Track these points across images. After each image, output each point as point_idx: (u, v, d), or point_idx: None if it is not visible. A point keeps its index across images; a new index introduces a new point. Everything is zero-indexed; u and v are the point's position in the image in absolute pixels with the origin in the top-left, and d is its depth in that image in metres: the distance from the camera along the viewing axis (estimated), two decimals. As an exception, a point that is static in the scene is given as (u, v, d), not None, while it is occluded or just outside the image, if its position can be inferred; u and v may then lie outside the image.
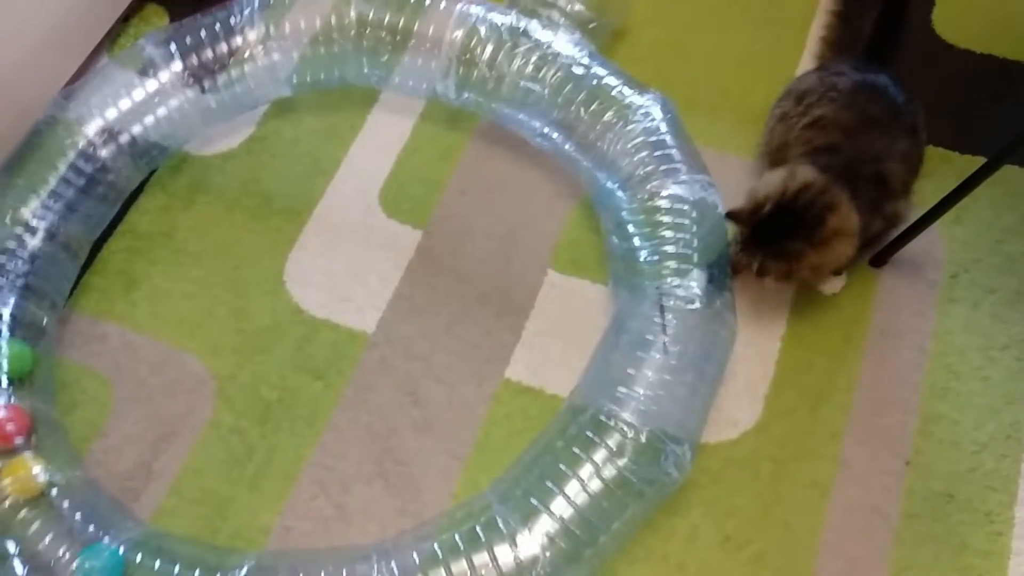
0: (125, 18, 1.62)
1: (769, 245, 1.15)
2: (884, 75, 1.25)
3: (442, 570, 0.98)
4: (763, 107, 1.38)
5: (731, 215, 1.17)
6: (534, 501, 1.02)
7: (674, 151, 1.23)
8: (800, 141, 1.25)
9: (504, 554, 0.99)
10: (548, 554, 0.99)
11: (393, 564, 0.99)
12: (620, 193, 1.26)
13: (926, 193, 1.26)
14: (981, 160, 1.14)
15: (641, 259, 1.21)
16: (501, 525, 1.01)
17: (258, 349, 1.30)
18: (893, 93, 1.23)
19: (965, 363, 1.22)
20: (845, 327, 1.26)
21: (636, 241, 1.23)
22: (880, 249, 1.29)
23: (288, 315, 1.32)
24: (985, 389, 1.20)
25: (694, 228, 1.19)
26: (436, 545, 1.00)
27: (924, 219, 1.23)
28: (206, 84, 1.39)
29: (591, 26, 1.41)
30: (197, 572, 1.01)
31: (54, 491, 1.09)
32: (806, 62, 1.47)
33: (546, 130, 1.35)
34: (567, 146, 1.33)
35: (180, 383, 1.28)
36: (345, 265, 1.36)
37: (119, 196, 1.39)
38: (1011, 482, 1.13)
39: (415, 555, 0.99)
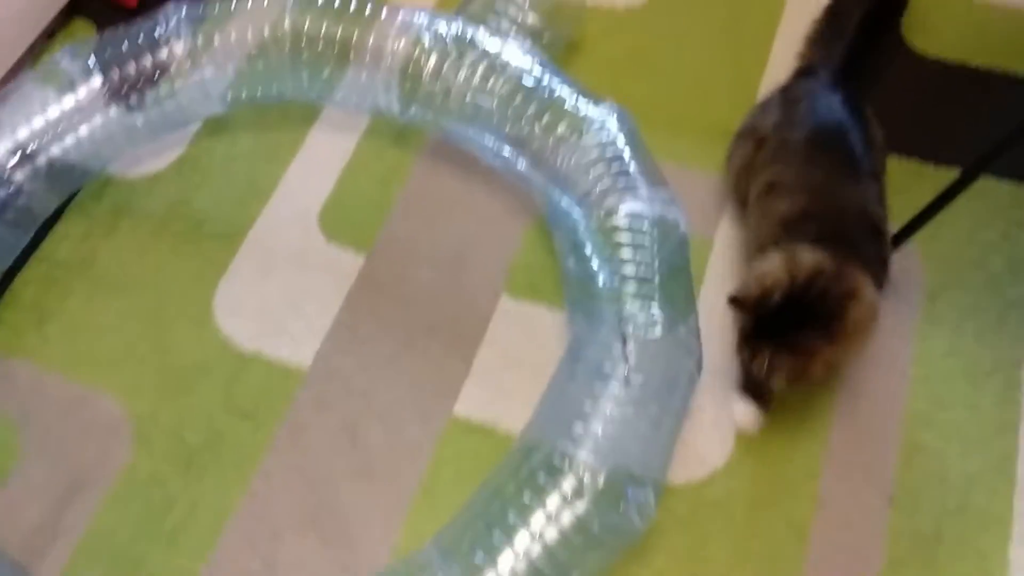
0: (50, 34, 1.52)
1: (779, 339, 0.97)
2: (843, 108, 1.14)
3: (374, 640, 0.86)
4: (725, 121, 1.30)
5: (734, 302, 1.00)
6: (480, 556, 0.91)
7: (632, 165, 1.14)
8: (766, 214, 1.12)
9: (446, 617, 0.88)
10: (496, 616, 0.88)
11: (319, 632, 0.87)
12: (576, 212, 1.17)
13: (900, 208, 1.18)
14: (956, 172, 1.07)
15: (599, 283, 1.12)
16: (443, 584, 0.90)
17: (182, 388, 1.18)
18: (852, 140, 1.11)
19: (949, 390, 1.13)
20: (820, 353, 1.17)
21: (594, 264, 1.13)
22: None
23: (217, 350, 1.21)
24: (972, 418, 1.11)
25: (655, 248, 1.10)
26: (369, 609, 0.88)
27: (900, 235, 1.15)
28: (132, 101, 1.29)
29: (544, 38, 1.33)
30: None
31: (-59, 553, 0.96)
32: (769, 76, 1.39)
33: (497, 146, 1.26)
34: (520, 163, 1.24)
35: (94, 426, 1.16)
36: (281, 294, 1.25)
37: (33, 222, 1.28)
38: (1004, 520, 1.04)
39: (344, 621, 0.88)
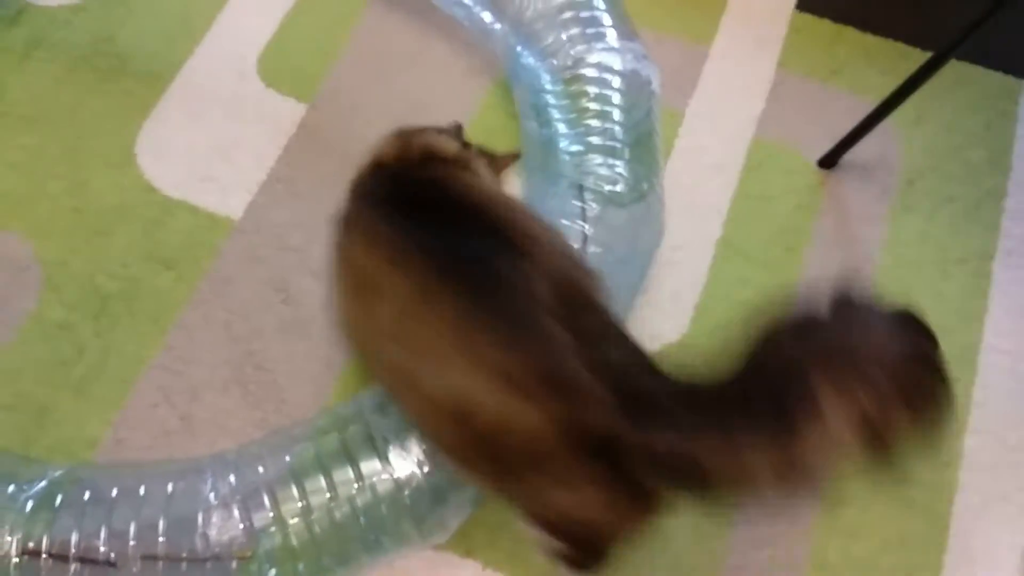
0: None
1: None
2: None
3: (293, 488, 0.79)
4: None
5: None
6: (415, 410, 0.84)
7: (603, 14, 1.05)
8: None
9: (372, 471, 0.81)
10: (427, 470, 0.81)
11: (232, 478, 0.79)
12: (540, 67, 1.08)
13: (884, 90, 1.11)
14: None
15: (562, 146, 1.03)
16: (372, 436, 0.83)
17: (97, 232, 1.08)
18: None
19: (917, 277, 1.08)
20: (788, 236, 1.11)
21: (558, 127, 1.05)
22: (830, 149, 1.14)
23: (137, 194, 1.10)
24: (938, 306, 1.07)
25: (623, 106, 1.02)
26: (288, 458, 0.81)
27: (873, 116, 1.09)
28: (51, -82, 1.14)
29: None
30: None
31: None
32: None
33: (459, -6, 1.15)
34: (482, 13, 1.14)
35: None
36: (211, 139, 1.14)
37: (-66, 44, 1.15)
38: (961, 409, 1.01)
39: (260, 469, 0.80)
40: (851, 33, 1.25)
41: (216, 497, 0.77)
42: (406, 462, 0.82)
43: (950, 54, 1.04)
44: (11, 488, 0.79)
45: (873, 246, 1.10)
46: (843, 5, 1.26)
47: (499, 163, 0.90)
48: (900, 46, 1.23)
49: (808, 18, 1.26)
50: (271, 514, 0.78)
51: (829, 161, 1.14)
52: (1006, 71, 1.22)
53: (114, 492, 0.79)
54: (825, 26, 1.25)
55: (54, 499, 0.78)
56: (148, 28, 1.22)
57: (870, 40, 1.24)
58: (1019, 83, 1.22)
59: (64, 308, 1.03)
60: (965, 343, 1.05)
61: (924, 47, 1.22)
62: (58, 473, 0.81)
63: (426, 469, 0.81)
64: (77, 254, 1.07)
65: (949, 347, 1.04)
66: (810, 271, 1.09)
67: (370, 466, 0.81)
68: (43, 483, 0.79)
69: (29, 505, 0.77)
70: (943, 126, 1.18)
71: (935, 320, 1.05)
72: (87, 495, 0.79)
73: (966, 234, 1.11)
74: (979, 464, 0.98)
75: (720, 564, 0.93)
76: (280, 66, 1.20)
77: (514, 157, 0.92)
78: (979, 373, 1.03)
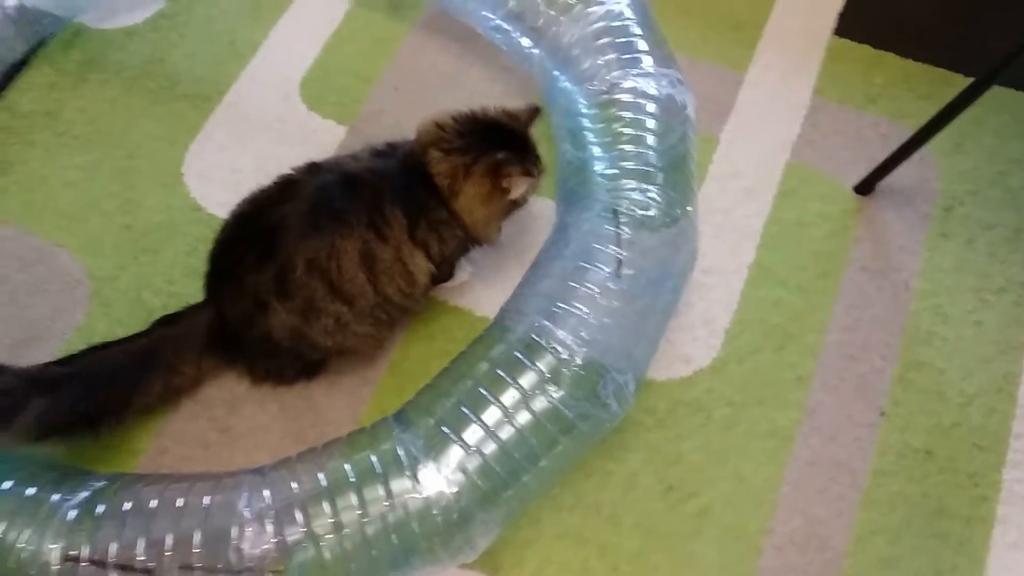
0: None
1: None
2: None
3: (325, 504, 0.81)
4: (738, 13, 1.21)
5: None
6: (446, 430, 0.86)
7: (640, 40, 1.06)
8: None
9: (403, 489, 0.82)
10: (456, 491, 0.83)
11: (267, 494, 0.82)
12: (577, 93, 1.09)
13: (923, 116, 1.11)
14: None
15: (596, 170, 1.04)
16: (402, 455, 0.84)
17: (145, 249, 1.12)
18: None
19: (955, 306, 1.07)
20: (822, 260, 1.11)
21: (592, 150, 1.06)
22: (867, 175, 1.13)
23: (184, 212, 1.14)
24: (977, 335, 1.05)
25: (658, 129, 1.03)
26: (321, 475, 0.83)
27: (912, 142, 1.08)
28: (109, -54, 1.20)
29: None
30: (27, 492, 0.83)
31: None
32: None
33: (498, 21, 1.17)
34: (520, 38, 1.16)
35: (50, 282, 1.09)
36: (255, 160, 1.18)
37: (-3, 68, 1.20)
38: (1000, 440, 0.99)
39: (294, 485, 0.82)
40: (890, 59, 1.24)
41: (251, 512, 0.79)
42: (435, 481, 0.83)
43: (993, 80, 1.03)
44: (55, 497, 0.83)
45: (910, 273, 1.09)
46: (883, 30, 1.26)
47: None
48: (941, 72, 1.22)
49: (846, 43, 1.25)
50: (304, 529, 0.80)
51: (865, 187, 1.14)
52: (1050, 97, 1.20)
53: (153, 504, 0.81)
54: (864, 51, 1.25)
55: (96, 509, 0.81)
56: (197, 51, 1.26)
57: (910, 66, 1.23)
58: (1063, 109, 1.20)
59: (110, 322, 1.07)
60: (1005, 372, 1.03)
61: (965, 72, 1.22)
62: (100, 484, 0.84)
63: (455, 489, 0.82)
64: (125, 271, 1.10)
65: (988, 378, 1.04)
66: (845, 297, 1.08)
67: (401, 484, 0.83)
68: (86, 493, 0.82)
69: (72, 514, 0.80)
70: (983, 152, 1.16)
71: (973, 349, 1.05)
72: (128, 505, 0.81)
73: (1006, 262, 1.09)
74: (1018, 498, 0.96)
75: (748, 592, 0.92)
76: (322, 89, 1.23)
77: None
78: (1019, 404, 1.01)
